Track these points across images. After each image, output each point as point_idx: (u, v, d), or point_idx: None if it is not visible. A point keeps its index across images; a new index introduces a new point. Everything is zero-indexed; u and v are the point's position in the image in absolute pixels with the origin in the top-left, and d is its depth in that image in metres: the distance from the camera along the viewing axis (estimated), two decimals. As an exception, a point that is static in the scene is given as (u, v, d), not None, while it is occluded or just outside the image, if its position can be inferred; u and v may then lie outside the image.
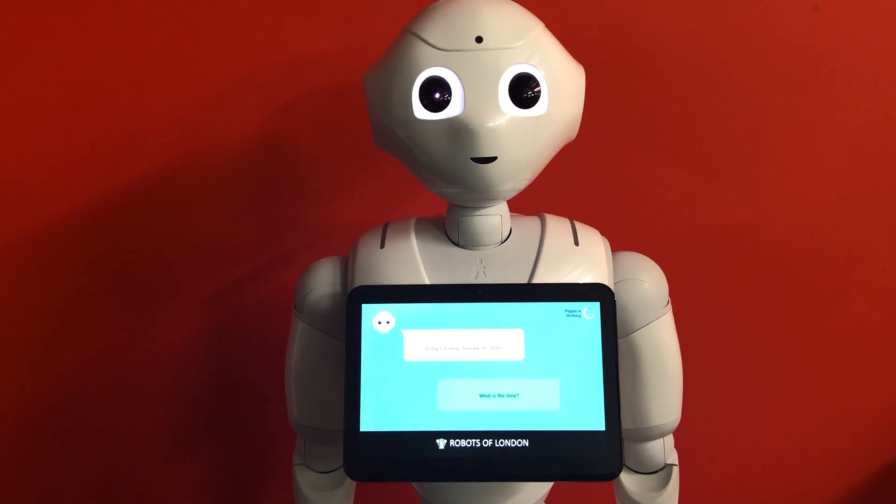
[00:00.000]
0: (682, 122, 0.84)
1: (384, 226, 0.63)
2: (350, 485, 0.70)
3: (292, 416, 0.67)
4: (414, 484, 0.67)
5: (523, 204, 0.65)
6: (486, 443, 0.55)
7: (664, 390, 0.65)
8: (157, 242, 0.86)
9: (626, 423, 0.65)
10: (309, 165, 0.85)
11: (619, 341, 0.63)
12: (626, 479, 0.69)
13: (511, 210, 0.62)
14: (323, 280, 0.63)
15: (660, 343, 0.64)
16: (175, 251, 0.87)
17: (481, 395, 0.55)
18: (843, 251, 0.87)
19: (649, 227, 0.86)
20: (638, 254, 0.64)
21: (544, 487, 0.66)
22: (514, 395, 0.55)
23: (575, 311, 0.56)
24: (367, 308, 0.57)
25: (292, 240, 0.87)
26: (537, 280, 0.59)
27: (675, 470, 0.69)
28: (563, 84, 0.58)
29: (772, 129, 0.84)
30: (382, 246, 0.61)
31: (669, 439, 0.69)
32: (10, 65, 0.81)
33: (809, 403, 0.91)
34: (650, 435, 0.66)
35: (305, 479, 0.69)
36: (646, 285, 0.62)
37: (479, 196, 0.59)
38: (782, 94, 0.83)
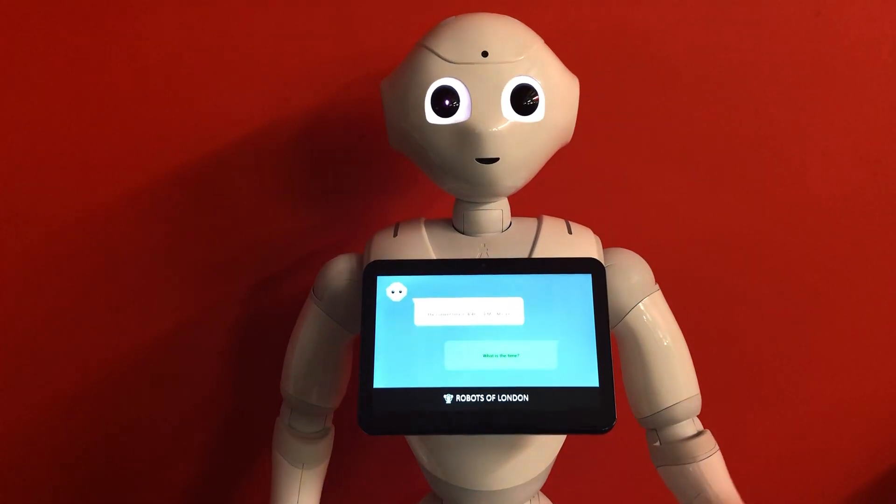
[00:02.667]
0: (684, 127, 0.84)
1: (396, 224, 0.70)
2: (331, 438, 0.76)
3: (286, 388, 0.72)
4: (419, 454, 0.71)
5: (527, 207, 0.70)
6: (489, 398, 0.59)
7: (669, 366, 0.68)
8: (174, 244, 0.86)
9: (644, 411, 0.69)
10: (333, 168, 0.86)
11: (618, 331, 0.68)
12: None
13: (514, 214, 0.69)
14: (342, 271, 0.69)
15: (653, 320, 0.68)
16: (186, 252, 0.87)
17: (485, 356, 0.60)
18: (846, 255, 0.87)
19: (650, 230, 0.86)
20: (624, 248, 0.70)
21: (546, 461, 0.70)
22: (515, 356, 0.60)
23: (569, 282, 0.62)
24: (381, 280, 0.62)
25: (311, 243, 0.87)
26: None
27: (709, 434, 0.69)
28: (559, 94, 0.65)
29: (774, 133, 0.84)
30: (395, 236, 0.68)
31: (702, 432, 0.69)
32: (19, 67, 0.81)
33: (812, 407, 0.91)
34: (671, 418, 0.68)
35: (292, 432, 0.73)
36: (628, 268, 0.68)
37: (483, 191, 0.65)
38: (784, 97, 0.83)
